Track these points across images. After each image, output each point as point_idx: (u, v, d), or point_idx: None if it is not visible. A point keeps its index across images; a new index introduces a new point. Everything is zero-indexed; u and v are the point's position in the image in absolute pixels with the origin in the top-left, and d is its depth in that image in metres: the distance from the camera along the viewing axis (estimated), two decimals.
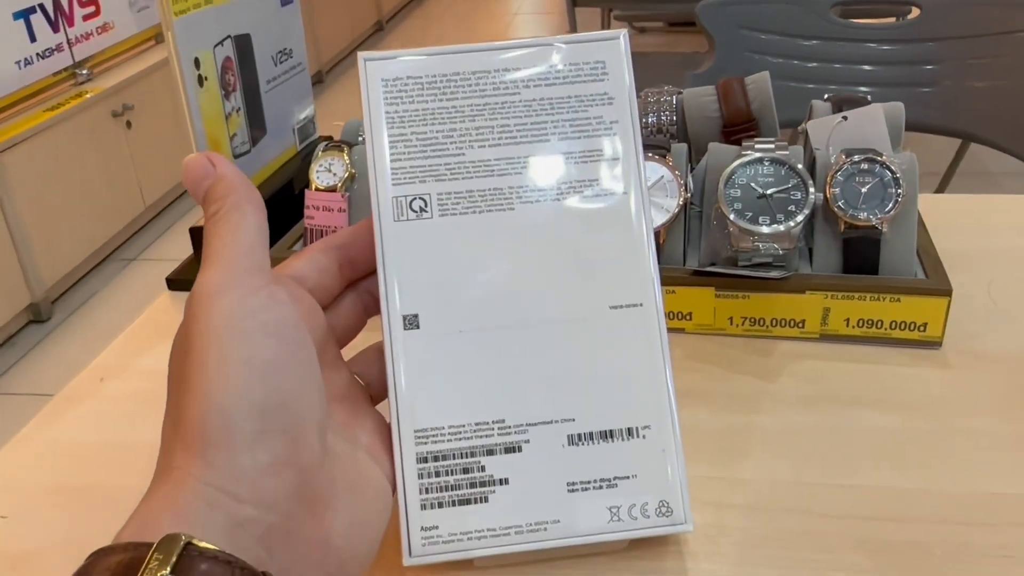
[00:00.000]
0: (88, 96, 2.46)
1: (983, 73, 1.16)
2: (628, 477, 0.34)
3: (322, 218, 0.59)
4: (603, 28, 2.72)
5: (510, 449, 0.33)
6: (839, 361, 0.51)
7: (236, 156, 0.64)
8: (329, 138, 0.71)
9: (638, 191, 0.35)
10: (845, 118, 0.56)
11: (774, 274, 0.51)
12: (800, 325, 0.53)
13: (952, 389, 0.48)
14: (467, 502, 0.32)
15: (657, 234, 0.54)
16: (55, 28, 2.47)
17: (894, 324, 0.52)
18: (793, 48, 1.26)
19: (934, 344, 0.52)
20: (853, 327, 0.52)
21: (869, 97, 0.60)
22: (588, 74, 0.35)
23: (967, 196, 0.70)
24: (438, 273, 0.33)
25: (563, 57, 0.35)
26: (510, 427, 0.33)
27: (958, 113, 1.18)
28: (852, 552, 0.39)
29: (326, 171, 0.60)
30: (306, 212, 0.60)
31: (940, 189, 2.15)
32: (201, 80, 0.59)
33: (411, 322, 0.33)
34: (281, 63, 0.70)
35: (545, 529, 0.32)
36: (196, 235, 0.62)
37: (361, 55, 0.34)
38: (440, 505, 0.32)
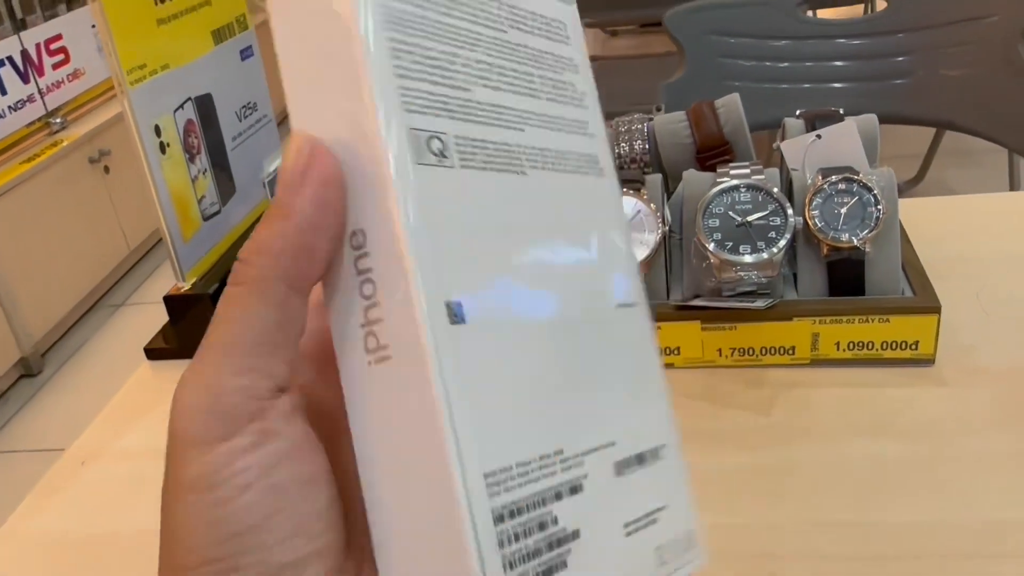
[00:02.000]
0: (64, 144, 2.45)
1: (955, 61, 1.16)
2: (662, 508, 0.26)
3: None
4: None
5: (575, 489, 0.24)
6: (832, 387, 0.50)
7: (206, 218, 0.63)
8: None
9: (613, 176, 0.29)
10: (819, 136, 0.55)
11: (759, 304, 0.50)
12: (790, 352, 0.52)
13: (950, 409, 0.48)
14: (550, 573, 0.22)
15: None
16: (25, 79, 2.46)
17: (885, 344, 0.51)
18: (764, 50, 1.25)
19: (927, 362, 0.51)
20: (844, 350, 0.51)
21: (842, 110, 0.59)
22: (555, 32, 0.29)
23: (948, 198, 0.69)
24: (472, 244, 0.23)
25: (531, 4, 0.28)
26: (569, 458, 0.24)
27: (933, 102, 1.18)
28: None
29: None
30: None
31: (922, 172, 2.15)
32: (163, 147, 0.58)
33: (456, 313, 0.22)
34: (246, 117, 0.69)
35: None
36: (171, 304, 0.61)
37: None
38: None
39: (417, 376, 0.20)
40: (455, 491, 0.20)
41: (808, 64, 1.23)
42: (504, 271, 0.24)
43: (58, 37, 2.59)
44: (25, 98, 2.45)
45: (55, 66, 2.57)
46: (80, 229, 2.45)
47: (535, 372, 0.23)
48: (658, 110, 1.24)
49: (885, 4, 1.19)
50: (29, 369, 2.27)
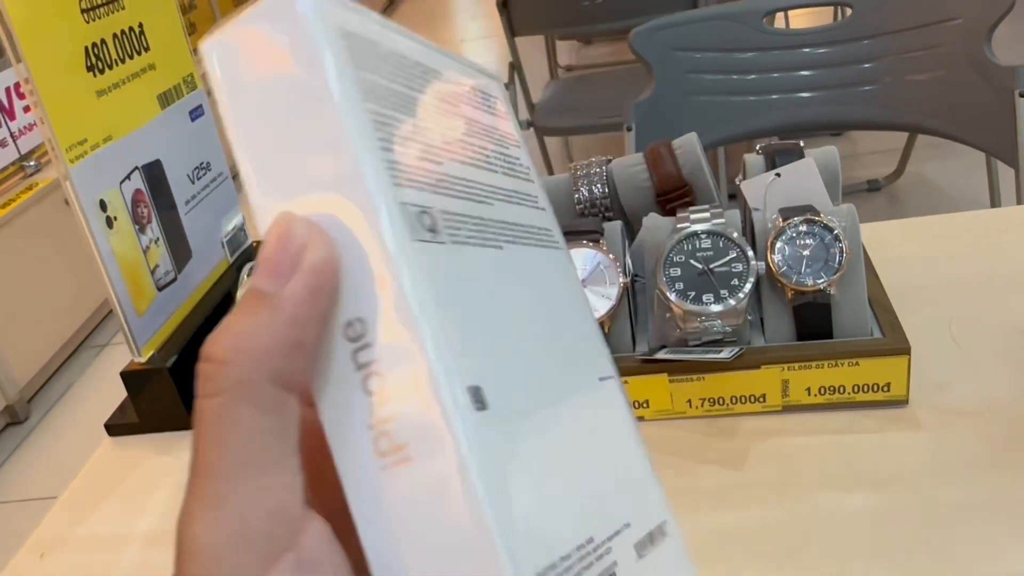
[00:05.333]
0: (39, 187, 2.42)
1: (922, 65, 1.15)
2: None
3: None
4: (547, 48, 2.71)
5: None
6: (805, 435, 0.49)
7: (160, 288, 0.62)
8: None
9: (566, 248, 0.28)
10: (779, 175, 0.54)
11: (725, 354, 0.49)
12: (761, 400, 0.51)
13: (925, 455, 0.46)
14: None
15: (602, 324, 0.52)
16: None
17: (856, 388, 0.49)
18: (730, 63, 1.24)
19: (900, 403, 0.50)
20: (815, 395, 0.50)
21: (802, 143, 0.58)
22: (491, 108, 0.28)
23: (914, 220, 0.68)
24: (477, 324, 0.21)
25: (469, 78, 0.27)
26: (599, 545, 0.21)
27: (901, 107, 1.17)
28: None
29: None
30: None
31: (900, 167, 2.15)
32: (110, 222, 0.57)
33: (477, 398, 0.19)
34: (199, 179, 0.68)
35: None
36: (128, 380, 0.59)
37: None
38: None
39: (451, 475, 0.18)
40: None
41: (775, 75, 1.23)
42: (511, 351, 0.22)
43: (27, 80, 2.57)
44: None
45: (27, 109, 2.55)
46: (60, 271, 2.42)
47: (557, 457, 0.21)
48: (628, 130, 1.23)
49: (850, 12, 1.18)
50: (15, 416, 2.25)
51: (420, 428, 0.18)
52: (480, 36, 4.29)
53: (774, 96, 1.23)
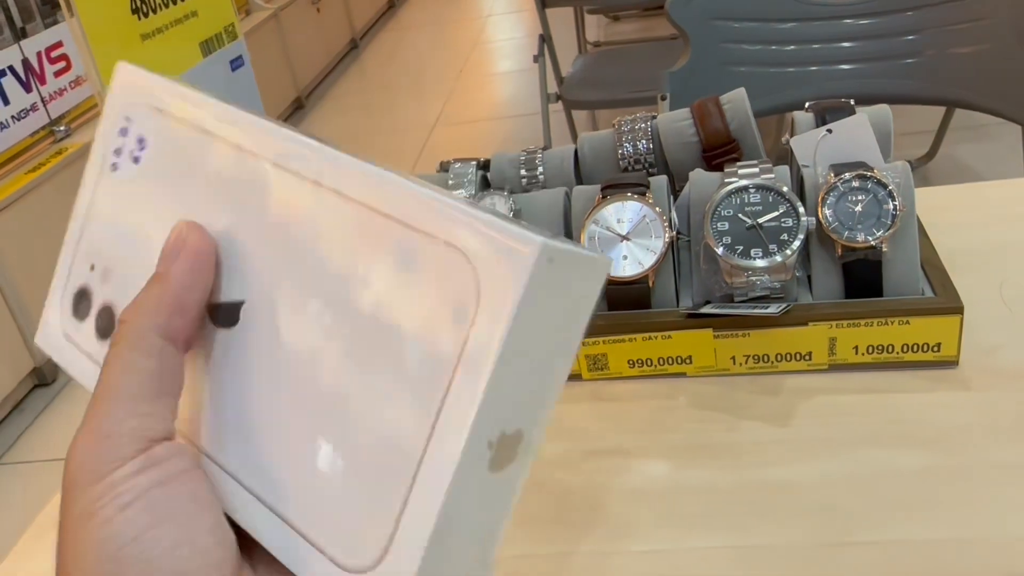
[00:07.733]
0: (69, 152, 2.43)
1: (965, 38, 1.12)
2: None
3: None
4: (576, 23, 2.69)
5: None
6: (852, 393, 0.49)
7: None
8: None
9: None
10: (830, 131, 0.53)
11: (772, 309, 0.48)
12: (807, 358, 0.50)
13: (976, 415, 0.46)
14: None
15: (646, 277, 0.51)
16: (27, 88, 2.44)
17: (906, 347, 0.49)
18: (769, 33, 1.22)
19: (951, 364, 0.49)
20: (863, 354, 0.49)
21: (852, 101, 0.56)
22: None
23: (965, 186, 0.67)
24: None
25: None
26: None
27: (944, 81, 1.15)
28: None
29: None
30: None
31: (933, 149, 2.12)
32: None
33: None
34: None
35: None
36: None
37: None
38: None
39: None
40: None
41: (815, 46, 1.21)
42: None
43: (59, 44, 2.58)
44: (28, 107, 2.44)
45: (57, 74, 2.55)
46: None
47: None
48: (662, 99, 1.21)
49: None
50: (43, 378, 2.28)
51: None
52: (508, 11, 4.26)
53: (813, 68, 1.21)
